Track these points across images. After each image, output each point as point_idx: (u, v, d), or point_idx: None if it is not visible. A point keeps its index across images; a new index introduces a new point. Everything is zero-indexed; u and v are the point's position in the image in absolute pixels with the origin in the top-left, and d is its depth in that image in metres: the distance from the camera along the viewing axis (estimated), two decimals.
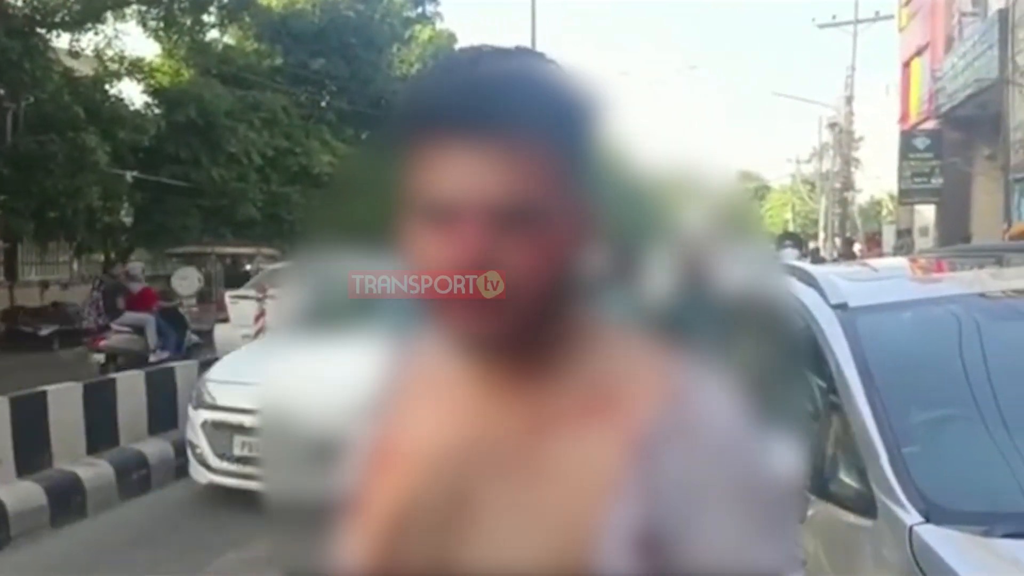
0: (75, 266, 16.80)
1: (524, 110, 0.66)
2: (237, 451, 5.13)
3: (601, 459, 0.68)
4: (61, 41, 13.60)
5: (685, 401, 0.69)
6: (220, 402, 5.27)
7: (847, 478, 1.99)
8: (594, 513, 0.66)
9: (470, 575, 0.70)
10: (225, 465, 5.15)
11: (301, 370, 4.14)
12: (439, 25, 24.22)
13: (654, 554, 0.65)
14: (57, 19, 13.11)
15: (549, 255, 0.68)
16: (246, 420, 5.04)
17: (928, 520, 1.70)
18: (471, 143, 0.66)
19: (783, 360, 2.44)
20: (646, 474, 0.66)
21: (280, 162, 17.76)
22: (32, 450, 5.12)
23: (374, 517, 0.76)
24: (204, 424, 5.27)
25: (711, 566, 0.65)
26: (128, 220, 15.57)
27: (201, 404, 5.39)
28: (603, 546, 0.66)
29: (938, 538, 1.66)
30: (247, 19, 18.09)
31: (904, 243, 14.39)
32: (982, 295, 2.49)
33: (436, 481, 0.73)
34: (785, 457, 1.82)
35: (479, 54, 0.71)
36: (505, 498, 0.70)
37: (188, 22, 15.87)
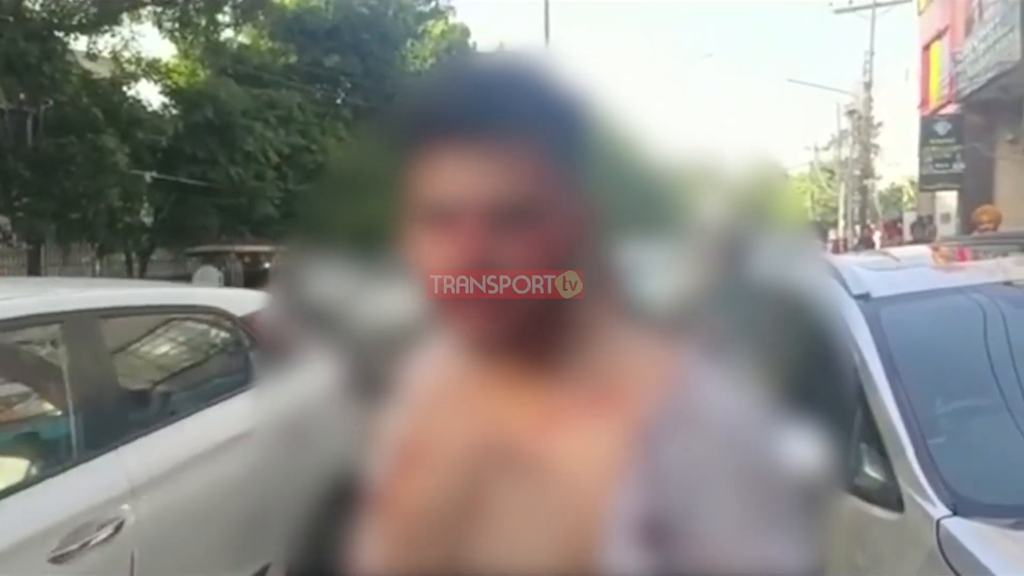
0: (97, 267, 16.96)
1: (514, 112, 0.68)
2: None
3: (606, 451, 0.69)
4: (79, 44, 13.74)
5: (688, 391, 0.70)
6: None
7: (872, 471, 1.96)
8: (600, 505, 0.67)
9: (483, 571, 0.71)
10: None
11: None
12: (452, 19, 24.20)
13: (661, 545, 0.65)
14: (74, 22, 13.22)
15: (549, 252, 0.69)
16: None
17: (956, 513, 1.68)
18: (466, 147, 0.68)
19: (810, 351, 2.41)
20: (649, 463, 0.67)
21: (296, 160, 17.82)
22: None
23: (395, 516, 0.78)
24: None
25: (717, 555, 0.65)
26: (148, 220, 15.71)
27: None
28: (609, 538, 0.66)
29: (966, 531, 1.63)
30: (261, 18, 18.15)
31: (925, 231, 14.15)
32: (1007, 283, 2.45)
33: (452, 480, 0.75)
34: (806, 449, 1.80)
35: (473, 61, 0.76)
36: (516, 495, 0.71)
37: (203, 22, 15.95)
